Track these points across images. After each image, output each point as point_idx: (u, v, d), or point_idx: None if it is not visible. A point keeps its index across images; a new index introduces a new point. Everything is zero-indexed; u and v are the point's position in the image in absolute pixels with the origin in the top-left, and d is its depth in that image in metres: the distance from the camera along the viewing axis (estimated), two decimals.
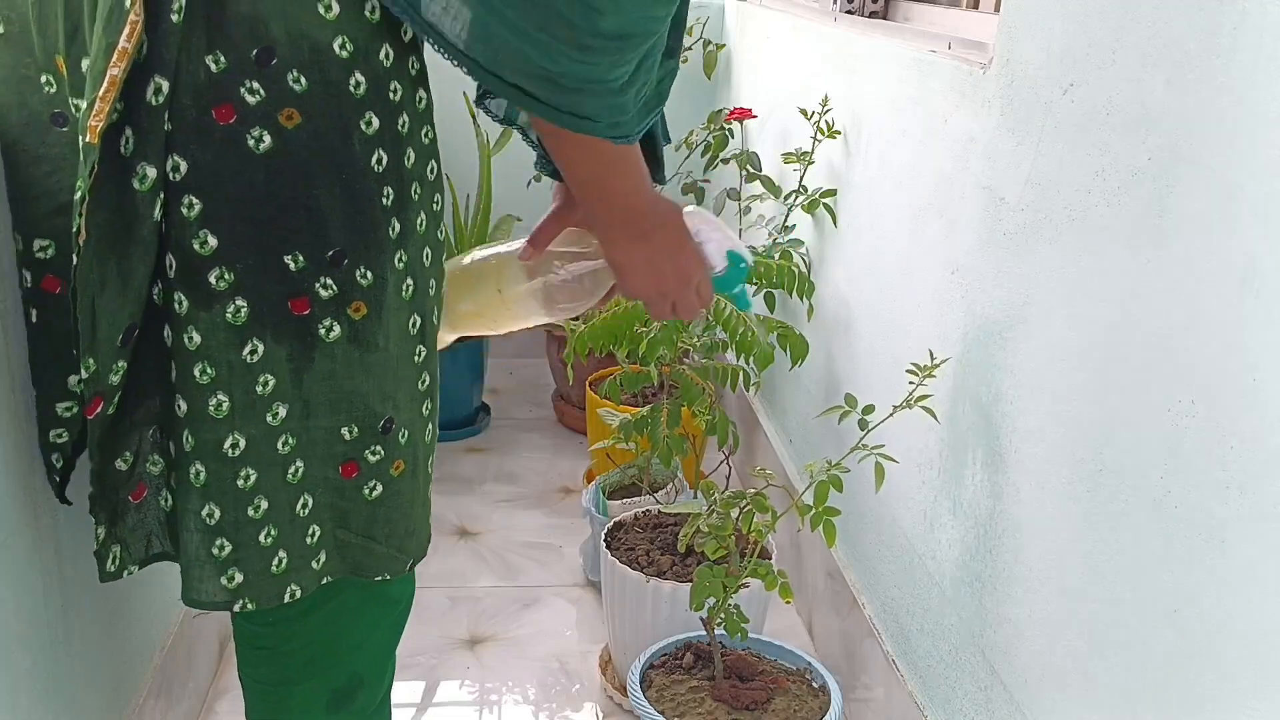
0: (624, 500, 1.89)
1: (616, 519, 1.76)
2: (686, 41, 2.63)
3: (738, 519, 1.40)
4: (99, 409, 0.90)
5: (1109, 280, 0.98)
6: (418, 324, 0.98)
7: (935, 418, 1.29)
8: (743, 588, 1.42)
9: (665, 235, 1.04)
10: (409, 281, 0.95)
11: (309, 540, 0.97)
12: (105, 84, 0.82)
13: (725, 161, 2.17)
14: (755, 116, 2.21)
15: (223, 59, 0.85)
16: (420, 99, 0.95)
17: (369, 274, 0.92)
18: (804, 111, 1.87)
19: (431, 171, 0.97)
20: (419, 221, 0.95)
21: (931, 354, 1.30)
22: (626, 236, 1.02)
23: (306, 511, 0.97)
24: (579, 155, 0.95)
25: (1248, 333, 0.79)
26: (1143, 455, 0.92)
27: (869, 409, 1.33)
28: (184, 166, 0.86)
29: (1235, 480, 0.81)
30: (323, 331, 0.91)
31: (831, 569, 1.73)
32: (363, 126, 0.89)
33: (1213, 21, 0.84)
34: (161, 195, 0.86)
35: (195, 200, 0.86)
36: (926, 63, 1.42)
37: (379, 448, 0.97)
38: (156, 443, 0.96)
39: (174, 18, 0.82)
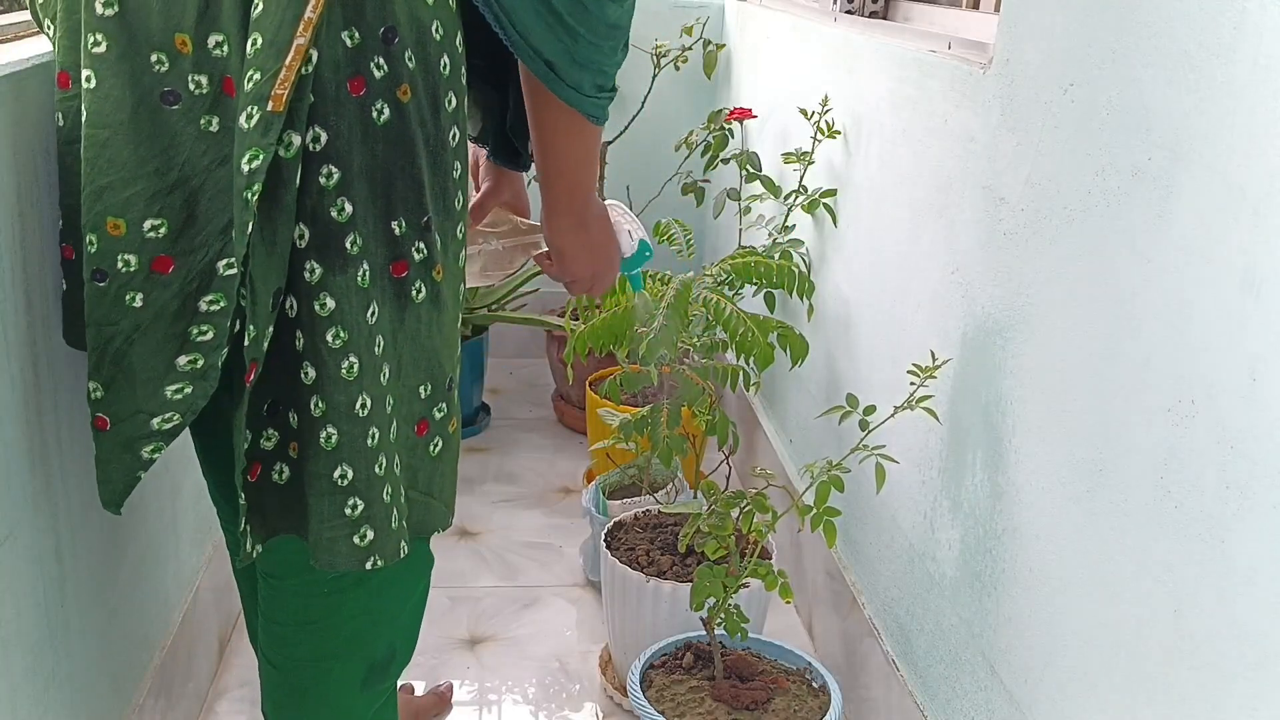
0: (624, 500, 1.89)
1: (616, 519, 1.76)
2: (686, 41, 2.63)
3: (738, 519, 1.40)
4: (254, 374, 0.93)
5: (1109, 280, 0.98)
6: (462, 290, 1.06)
7: (937, 418, 1.29)
8: (743, 588, 1.42)
9: (601, 226, 1.20)
10: (462, 251, 1.03)
11: (387, 499, 1.00)
12: (292, 53, 0.86)
13: (725, 161, 2.17)
14: (755, 116, 2.21)
15: (357, 35, 0.91)
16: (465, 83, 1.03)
17: (441, 240, 0.99)
18: (804, 111, 1.87)
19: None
20: (466, 197, 1.03)
21: (933, 354, 1.30)
22: (573, 225, 1.16)
23: (399, 471, 1.02)
24: (565, 139, 1.07)
25: (1248, 333, 0.79)
26: (1143, 455, 0.92)
27: (870, 409, 1.33)
28: (324, 137, 0.91)
29: (1235, 480, 0.81)
30: (414, 293, 0.98)
31: (831, 569, 1.73)
32: (446, 104, 0.98)
33: (1213, 21, 0.84)
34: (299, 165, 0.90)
35: (334, 169, 0.92)
36: (926, 63, 1.42)
37: (444, 404, 1.04)
38: (270, 417, 0.97)
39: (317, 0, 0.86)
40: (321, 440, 0.96)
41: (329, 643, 1.11)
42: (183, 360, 0.95)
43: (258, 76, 0.87)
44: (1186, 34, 0.87)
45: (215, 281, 0.94)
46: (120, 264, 0.94)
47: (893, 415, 1.30)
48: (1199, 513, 0.85)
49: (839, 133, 1.78)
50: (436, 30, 0.96)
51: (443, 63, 0.97)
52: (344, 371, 0.94)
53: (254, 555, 1.00)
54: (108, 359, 0.96)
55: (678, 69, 2.61)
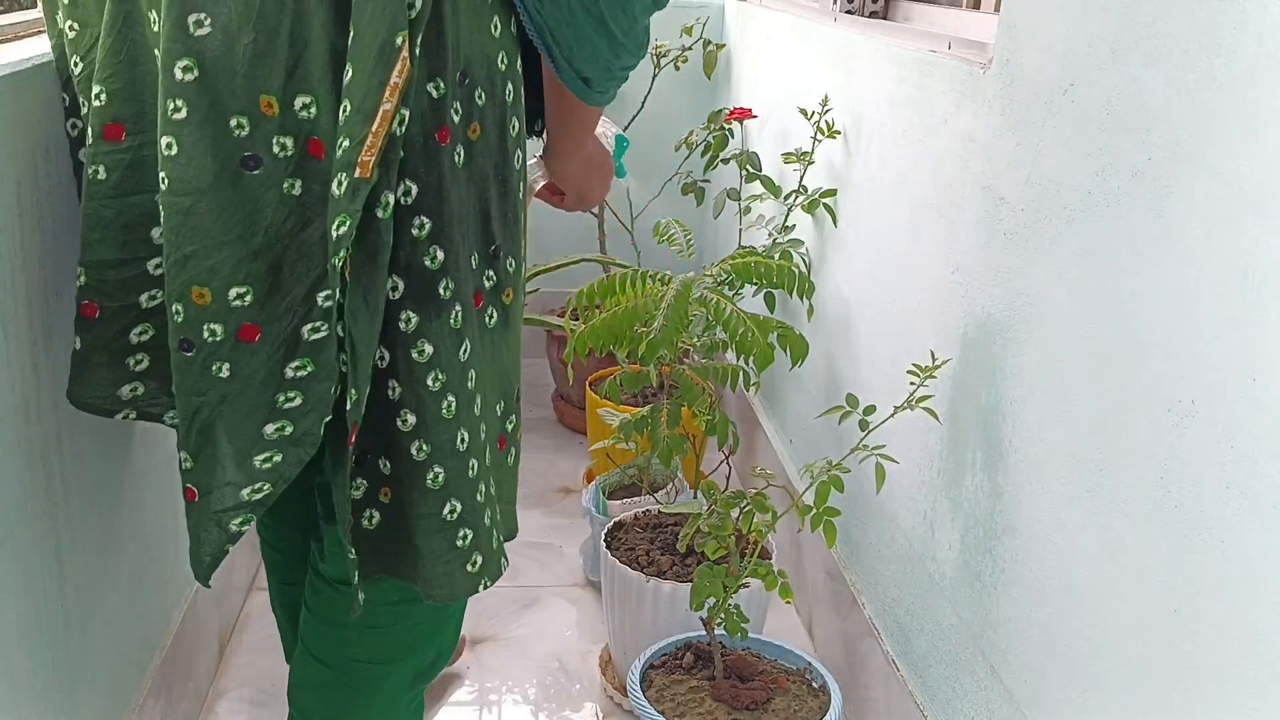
0: (624, 500, 1.89)
1: (616, 519, 1.76)
2: (686, 41, 2.63)
3: (738, 519, 1.40)
4: (355, 434, 0.93)
5: (1109, 280, 0.98)
6: (524, 303, 1.09)
7: (937, 418, 1.29)
8: (743, 588, 1.42)
9: (597, 147, 1.24)
10: (524, 268, 1.06)
11: (488, 522, 1.03)
12: (378, 120, 0.85)
13: (725, 161, 2.17)
14: (755, 116, 2.21)
15: (442, 85, 0.91)
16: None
17: (511, 262, 1.02)
18: (804, 111, 1.87)
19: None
20: (524, 214, 1.05)
21: (933, 355, 1.30)
22: (581, 161, 1.20)
23: (493, 491, 1.05)
24: (576, 113, 1.10)
25: (1248, 333, 0.79)
26: (1143, 455, 0.92)
27: (870, 409, 1.33)
28: (415, 190, 0.91)
29: (1235, 480, 0.81)
30: (488, 319, 1.01)
31: (831, 569, 1.73)
32: (510, 130, 1.00)
33: (1213, 21, 0.84)
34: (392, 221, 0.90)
35: (426, 220, 0.92)
36: (926, 63, 1.42)
37: (514, 417, 1.08)
38: (358, 466, 0.98)
39: (416, 50, 0.86)
40: (429, 481, 0.97)
41: (391, 647, 1.14)
42: (270, 429, 0.94)
43: (347, 144, 0.86)
44: (1186, 34, 0.87)
45: (301, 347, 0.93)
46: (207, 334, 0.93)
47: (893, 415, 1.30)
48: (1199, 513, 0.85)
49: (839, 133, 1.78)
50: (502, 60, 0.97)
51: (508, 91, 0.99)
52: (444, 411, 0.96)
53: (351, 581, 1.01)
54: (195, 429, 0.95)
55: (678, 69, 2.61)
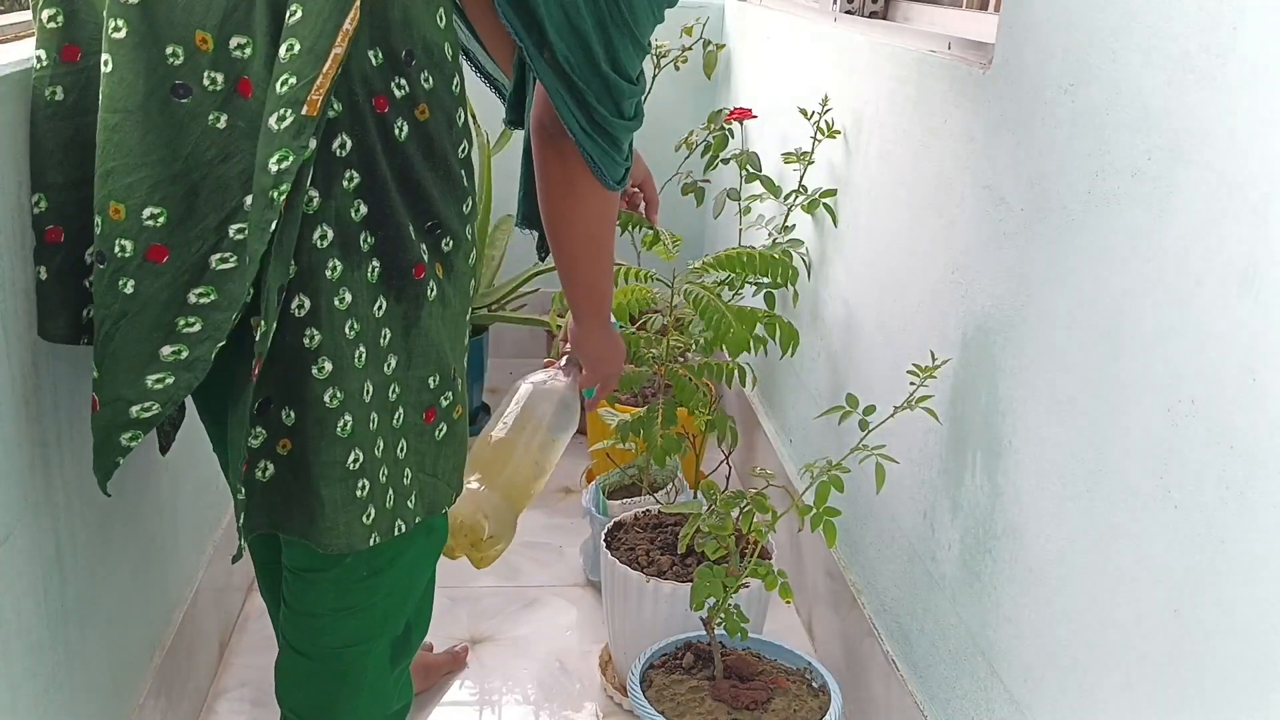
0: (624, 500, 1.89)
1: (616, 519, 1.76)
2: (686, 41, 2.63)
3: (738, 519, 1.40)
4: (259, 368, 0.95)
5: (1109, 280, 0.98)
6: (471, 287, 1.13)
7: (937, 418, 1.29)
8: (743, 588, 1.42)
9: (611, 325, 1.39)
10: (472, 252, 1.10)
11: (405, 481, 1.07)
12: (329, 61, 0.90)
13: (725, 161, 2.17)
14: (755, 116, 2.20)
15: (381, 55, 0.97)
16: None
17: (451, 242, 1.06)
18: (804, 111, 1.87)
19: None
20: (475, 201, 1.10)
21: (933, 354, 1.30)
22: (598, 325, 1.36)
23: (403, 455, 1.07)
24: (586, 263, 1.27)
25: (1247, 333, 0.79)
26: (1143, 455, 0.92)
27: (870, 409, 1.33)
28: (349, 144, 0.96)
29: (1235, 480, 0.81)
30: (428, 291, 1.04)
31: (831, 569, 1.73)
32: (457, 120, 1.05)
33: (1213, 21, 0.84)
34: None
35: (356, 174, 0.98)
36: (926, 63, 1.42)
37: (450, 394, 1.10)
38: (260, 415, 1.00)
39: (355, 12, 0.91)
40: (338, 429, 1.00)
41: (364, 627, 1.17)
42: (166, 350, 0.96)
43: (294, 80, 0.90)
44: (1186, 34, 0.87)
45: (207, 275, 0.95)
46: (118, 249, 0.95)
47: (893, 415, 1.30)
48: (1199, 513, 0.85)
49: (839, 133, 1.78)
50: (448, 50, 1.02)
51: (455, 82, 1.04)
52: (355, 360, 0.99)
53: (240, 554, 1.03)
54: (101, 341, 0.97)
55: (678, 69, 2.61)
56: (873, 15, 1.85)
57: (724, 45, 2.69)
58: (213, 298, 0.95)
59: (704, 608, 1.39)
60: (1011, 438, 1.16)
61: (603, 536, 1.71)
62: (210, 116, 0.95)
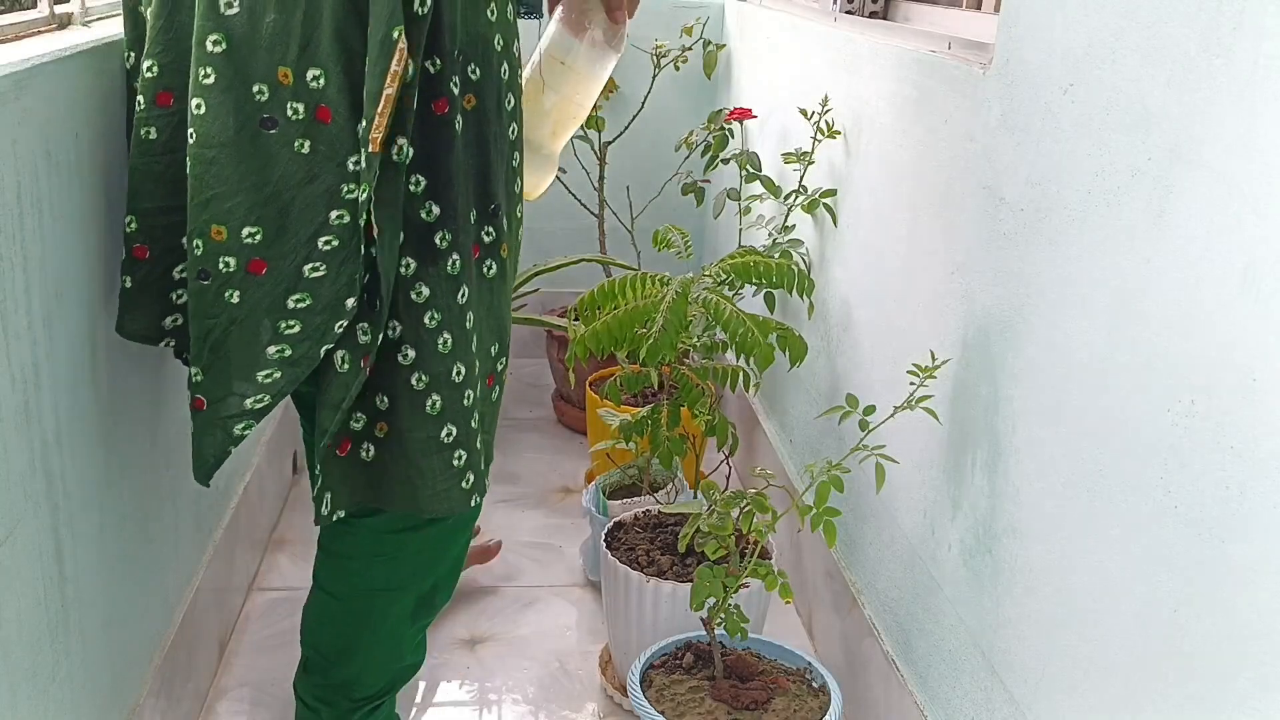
0: (624, 500, 1.89)
1: (616, 519, 1.76)
2: (686, 41, 2.63)
3: (738, 519, 1.40)
4: (369, 366, 1.11)
5: (1109, 280, 0.98)
6: (517, 262, 1.26)
7: (937, 418, 1.29)
8: (743, 588, 1.42)
9: None
10: (520, 227, 1.22)
11: (479, 446, 1.20)
12: (382, 102, 1.01)
13: (725, 161, 2.17)
14: (755, 116, 2.21)
15: (438, 62, 1.07)
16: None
17: (507, 222, 1.19)
18: (804, 112, 1.87)
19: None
20: (521, 180, 1.22)
21: (933, 355, 1.30)
22: None
23: (479, 423, 1.20)
24: None
25: (1247, 333, 0.79)
26: (1143, 455, 0.92)
27: (870, 409, 1.33)
28: (411, 152, 1.06)
29: (1235, 480, 0.81)
30: (486, 270, 1.18)
31: (831, 569, 1.73)
32: (506, 104, 1.16)
33: (1213, 21, 0.84)
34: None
35: (421, 178, 1.09)
36: (926, 63, 1.42)
37: (504, 359, 1.24)
38: (358, 402, 1.13)
39: (400, 54, 1.01)
40: (428, 408, 1.14)
41: (395, 575, 1.29)
42: (272, 350, 1.10)
43: (364, 125, 1.03)
44: (1186, 34, 0.87)
45: (302, 283, 1.08)
46: (221, 265, 1.09)
47: (893, 415, 1.30)
48: (1199, 513, 0.85)
49: (839, 133, 1.78)
50: (498, 42, 1.13)
51: (502, 70, 1.14)
52: (440, 346, 1.13)
53: (332, 519, 1.16)
54: (207, 347, 1.11)
55: (678, 69, 2.61)
56: (873, 15, 1.85)
57: (724, 45, 2.70)
58: (308, 302, 1.08)
59: (704, 608, 1.39)
60: (1011, 438, 1.16)
61: (603, 536, 1.71)
62: (296, 143, 1.06)
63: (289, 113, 1.06)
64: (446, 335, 1.12)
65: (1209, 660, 0.83)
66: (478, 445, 1.18)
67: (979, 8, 1.57)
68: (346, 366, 1.10)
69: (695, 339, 1.69)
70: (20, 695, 1.00)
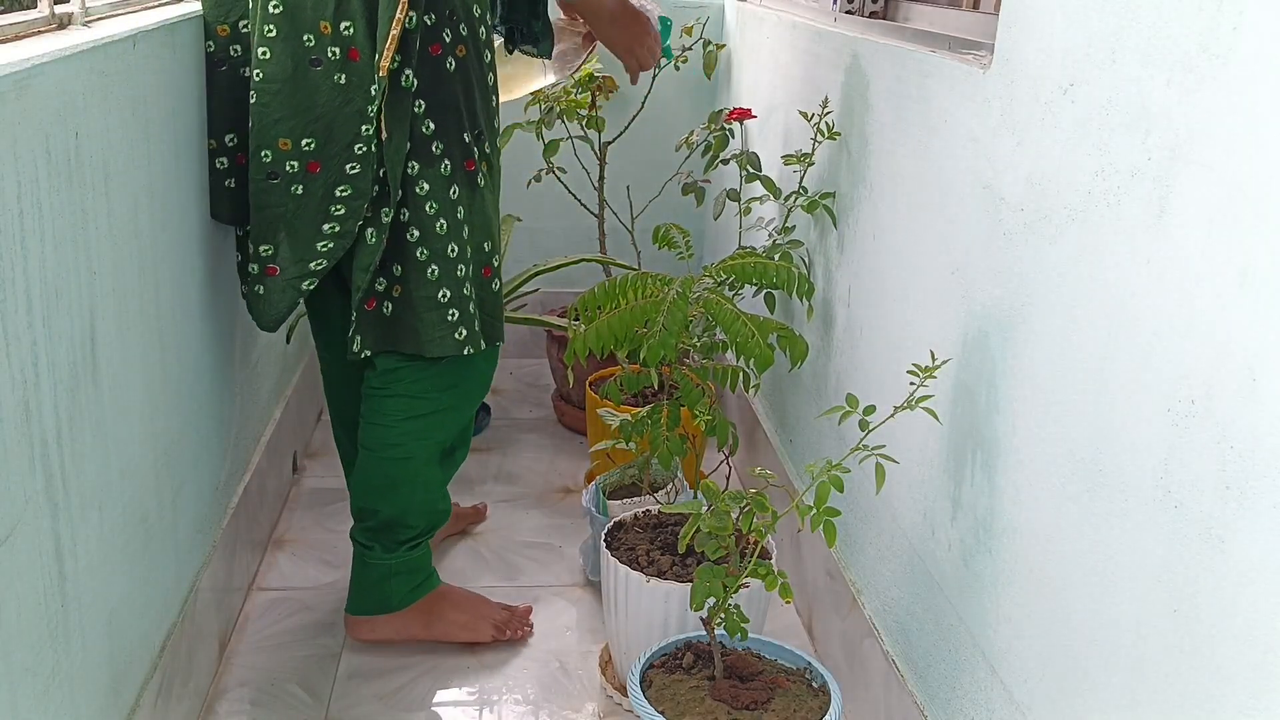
0: (624, 500, 1.88)
1: (616, 519, 1.76)
2: (686, 41, 2.63)
3: (738, 519, 1.40)
4: (384, 238, 1.53)
5: (1109, 280, 0.98)
6: (499, 184, 1.66)
7: (937, 418, 1.29)
8: (743, 588, 1.42)
9: (627, 14, 1.77)
10: (498, 157, 1.63)
11: (471, 311, 1.59)
12: (390, 41, 1.43)
13: (725, 162, 2.17)
14: (755, 116, 2.20)
15: (433, 16, 1.49)
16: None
17: (489, 146, 1.59)
18: (804, 113, 1.87)
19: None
20: (499, 120, 1.64)
21: (933, 355, 1.30)
22: (609, 21, 1.76)
23: (472, 294, 1.59)
24: None
25: (1247, 333, 0.79)
26: (1143, 455, 0.92)
27: (870, 409, 1.32)
28: (415, 81, 1.48)
29: (1235, 480, 0.81)
30: (479, 179, 1.58)
31: (831, 569, 1.73)
32: (485, 56, 1.57)
33: (1213, 21, 0.84)
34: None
35: (422, 102, 1.51)
36: (926, 63, 1.42)
37: (497, 256, 1.63)
38: (382, 268, 1.55)
39: (404, 3, 1.43)
40: (428, 275, 1.54)
41: (422, 428, 1.66)
42: (326, 227, 1.51)
43: (377, 57, 1.44)
44: (1186, 34, 0.87)
45: (345, 178, 1.49)
46: (288, 166, 1.50)
47: (893, 415, 1.30)
48: (1199, 513, 0.85)
49: (839, 134, 1.78)
50: (476, 9, 1.54)
51: (481, 30, 1.56)
52: (438, 229, 1.54)
53: (360, 355, 1.57)
54: (279, 230, 1.52)
55: (678, 69, 2.61)
56: (873, 15, 1.85)
57: (724, 45, 2.70)
58: (349, 191, 1.49)
59: (704, 608, 1.39)
60: (1011, 438, 1.16)
61: (603, 536, 1.71)
62: (335, 77, 1.46)
63: (329, 55, 1.46)
64: (443, 220, 1.53)
65: (1209, 660, 0.83)
66: (470, 310, 1.57)
67: (979, 8, 1.57)
68: (375, 240, 1.52)
69: (695, 339, 1.69)
70: (20, 695, 1.00)
